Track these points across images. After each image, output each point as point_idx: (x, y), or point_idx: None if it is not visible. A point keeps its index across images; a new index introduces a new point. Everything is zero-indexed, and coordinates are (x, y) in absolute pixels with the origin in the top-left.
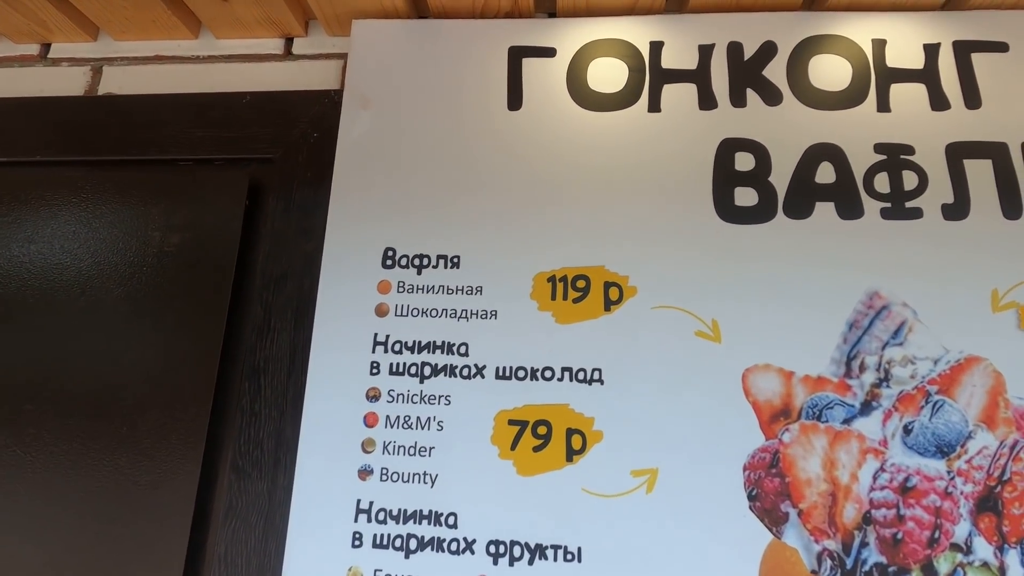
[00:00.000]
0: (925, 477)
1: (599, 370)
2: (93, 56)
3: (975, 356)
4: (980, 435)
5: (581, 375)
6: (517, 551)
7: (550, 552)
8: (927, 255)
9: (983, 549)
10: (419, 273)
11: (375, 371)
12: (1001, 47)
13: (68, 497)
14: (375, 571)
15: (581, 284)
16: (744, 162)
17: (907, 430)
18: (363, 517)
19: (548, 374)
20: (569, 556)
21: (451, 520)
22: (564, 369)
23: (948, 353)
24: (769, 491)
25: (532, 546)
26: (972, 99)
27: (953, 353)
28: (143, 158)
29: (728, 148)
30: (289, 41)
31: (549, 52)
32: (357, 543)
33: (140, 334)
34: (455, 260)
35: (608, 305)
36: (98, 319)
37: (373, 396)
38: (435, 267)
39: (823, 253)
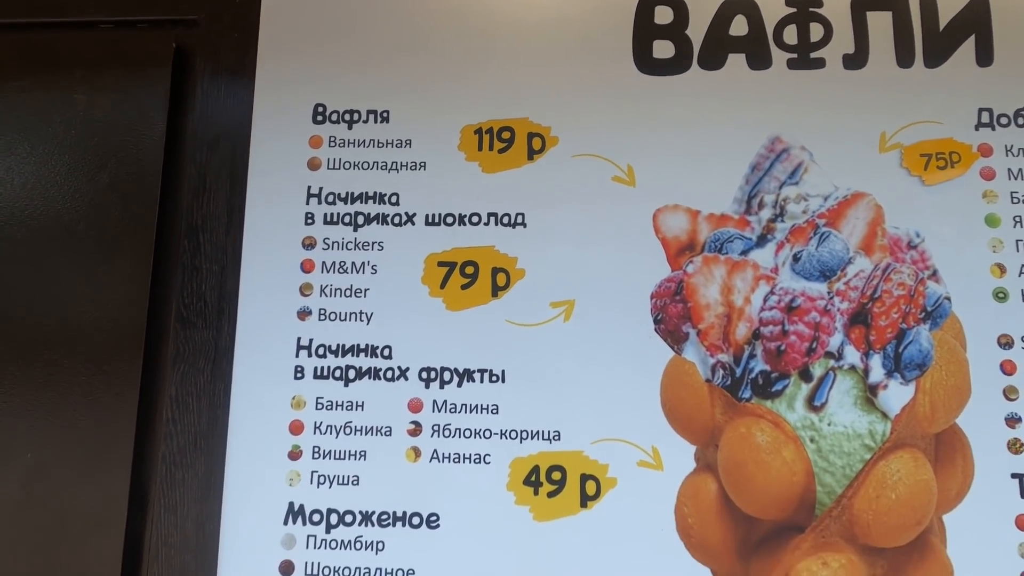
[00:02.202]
0: (808, 298)
1: (523, 214)
2: None
3: (860, 192)
4: (858, 260)
5: (506, 219)
6: (447, 376)
7: (477, 375)
8: (826, 102)
9: (852, 355)
10: (350, 128)
11: (310, 221)
12: None
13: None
14: (317, 399)
15: (506, 135)
16: (663, 16)
17: (796, 258)
18: (304, 353)
19: (475, 219)
20: (494, 378)
21: (386, 352)
22: (490, 215)
23: (837, 190)
24: (672, 315)
25: (460, 371)
26: None
27: (842, 190)
28: (59, 20)
29: (648, 2)
30: None
31: None
32: (299, 375)
33: (75, 195)
34: (385, 115)
35: (532, 154)
36: (28, 175)
37: (309, 244)
38: (365, 122)
39: (732, 102)
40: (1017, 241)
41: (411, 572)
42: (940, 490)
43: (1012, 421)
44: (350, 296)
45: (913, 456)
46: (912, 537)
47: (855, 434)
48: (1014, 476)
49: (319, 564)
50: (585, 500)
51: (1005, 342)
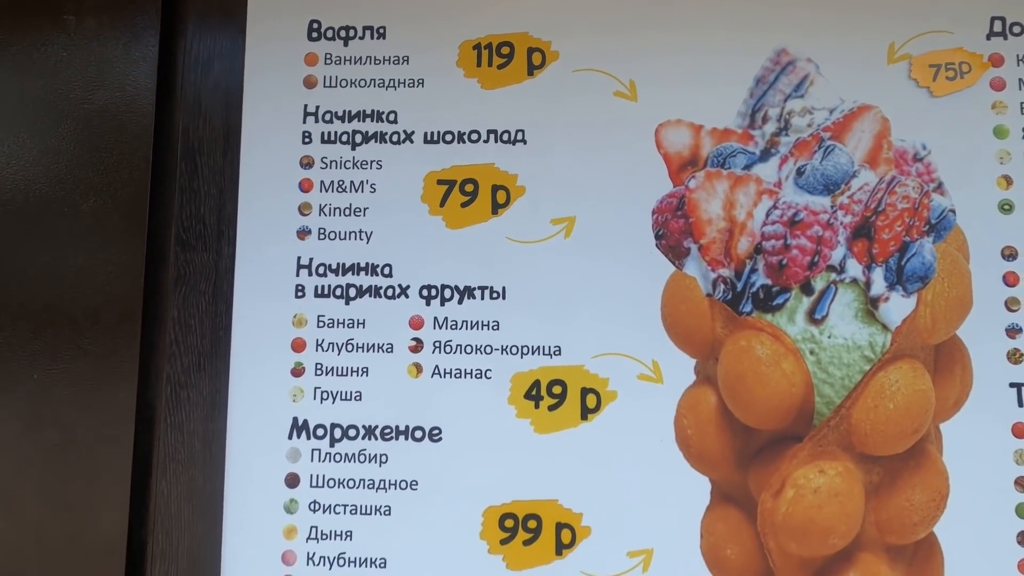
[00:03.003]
0: (811, 212)
1: (523, 131)
2: None
3: (867, 105)
4: (863, 174)
5: (505, 136)
6: (448, 293)
7: (478, 292)
8: (834, 13)
9: (854, 268)
10: (345, 45)
11: (307, 140)
12: None
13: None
14: (318, 317)
15: (505, 51)
16: None
17: (800, 172)
18: (304, 272)
19: (474, 137)
20: (495, 295)
21: (386, 270)
22: (489, 132)
23: (843, 103)
24: (674, 231)
25: (461, 288)
26: None
27: (848, 103)
28: None
29: None
30: None
31: None
32: (300, 294)
33: (67, 119)
34: (381, 31)
35: (531, 70)
36: (14, 103)
37: (307, 164)
38: (361, 38)
39: (737, 14)
40: None
41: (414, 483)
42: (938, 399)
43: (1013, 332)
44: (349, 215)
45: (912, 367)
46: (908, 445)
47: (855, 346)
48: (1012, 385)
49: (324, 476)
50: (585, 413)
51: (1009, 254)
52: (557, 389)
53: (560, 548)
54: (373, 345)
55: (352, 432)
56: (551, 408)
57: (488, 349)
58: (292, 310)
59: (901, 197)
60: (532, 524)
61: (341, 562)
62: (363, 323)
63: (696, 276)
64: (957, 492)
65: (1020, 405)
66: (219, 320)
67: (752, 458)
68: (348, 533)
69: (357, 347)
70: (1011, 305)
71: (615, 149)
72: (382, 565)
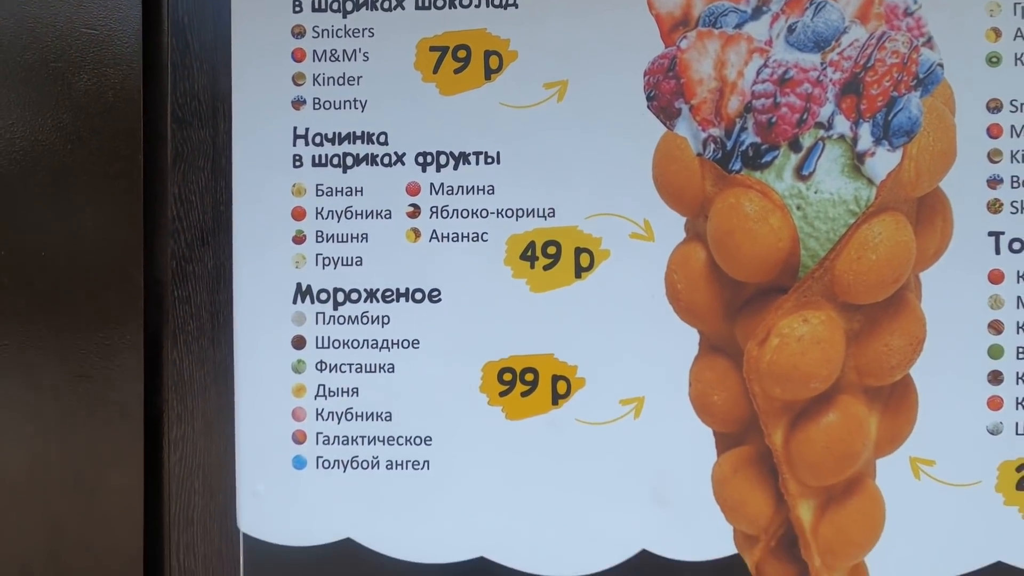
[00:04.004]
0: (801, 69)
1: None
2: None
3: None
4: (854, 29)
5: (497, 1)
6: (443, 159)
7: (472, 158)
8: None
9: (841, 125)
10: None
11: (298, 9)
12: None
13: None
14: (316, 186)
15: None
16: None
17: (791, 30)
18: (301, 142)
19: (465, 1)
20: (490, 160)
21: (382, 138)
22: None
23: None
24: (665, 92)
25: (456, 154)
26: None
27: None
28: None
29: None
30: None
31: None
32: (298, 164)
33: None
34: None
35: None
36: None
37: (298, 33)
38: None
39: None
40: (1015, 4)
41: (416, 342)
42: (919, 249)
43: (994, 182)
44: (343, 84)
45: (895, 219)
46: (889, 294)
47: (840, 200)
48: (991, 234)
49: (329, 338)
50: (579, 271)
51: (994, 106)
52: (551, 250)
53: (556, 398)
54: (371, 212)
55: (354, 295)
56: (546, 268)
57: (484, 213)
58: (291, 180)
59: (890, 52)
60: (529, 377)
61: (348, 416)
62: (361, 191)
63: (687, 136)
64: (934, 336)
65: (997, 253)
66: (219, 195)
67: (739, 310)
68: (354, 390)
69: (356, 214)
70: (993, 157)
71: (607, 11)
72: (388, 418)
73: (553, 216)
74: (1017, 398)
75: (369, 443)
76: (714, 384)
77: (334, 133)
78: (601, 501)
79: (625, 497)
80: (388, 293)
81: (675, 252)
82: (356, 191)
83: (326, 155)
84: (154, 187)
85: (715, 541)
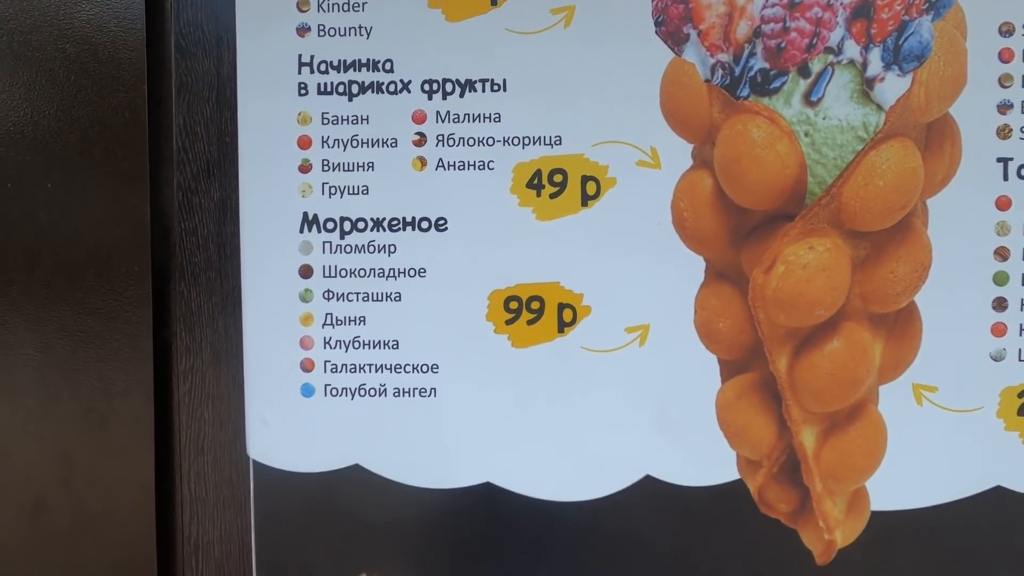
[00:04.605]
0: None
1: None
2: None
3: None
4: None
5: None
6: (449, 87)
7: (479, 85)
8: None
9: (851, 49)
10: None
11: None
12: None
13: None
14: (322, 114)
15: None
16: None
17: None
18: (306, 70)
19: None
20: (496, 87)
21: (387, 66)
22: None
23: None
24: (673, 16)
25: (462, 82)
26: None
27: None
28: None
29: None
30: None
31: None
32: (303, 92)
33: None
34: None
35: None
36: None
37: None
38: None
39: None
40: None
41: (423, 270)
42: (926, 176)
43: (1004, 108)
44: (348, 10)
45: (903, 145)
46: (896, 220)
47: (849, 127)
48: (999, 160)
49: (336, 267)
50: (586, 200)
51: (1006, 30)
52: (558, 178)
53: (562, 326)
54: (377, 140)
55: (361, 224)
56: (552, 196)
57: (490, 141)
58: (296, 108)
59: None
60: (535, 305)
61: (356, 345)
62: (367, 119)
63: (695, 62)
64: (939, 263)
65: (1006, 179)
66: (224, 126)
67: (745, 237)
68: (362, 319)
69: (362, 142)
70: (1004, 81)
71: None
72: (395, 346)
73: (559, 144)
74: (1021, 324)
75: (376, 371)
76: (719, 311)
77: (339, 61)
78: (606, 428)
79: (630, 423)
80: (395, 222)
81: (682, 179)
82: (362, 119)
83: (331, 83)
84: (158, 118)
85: (718, 467)
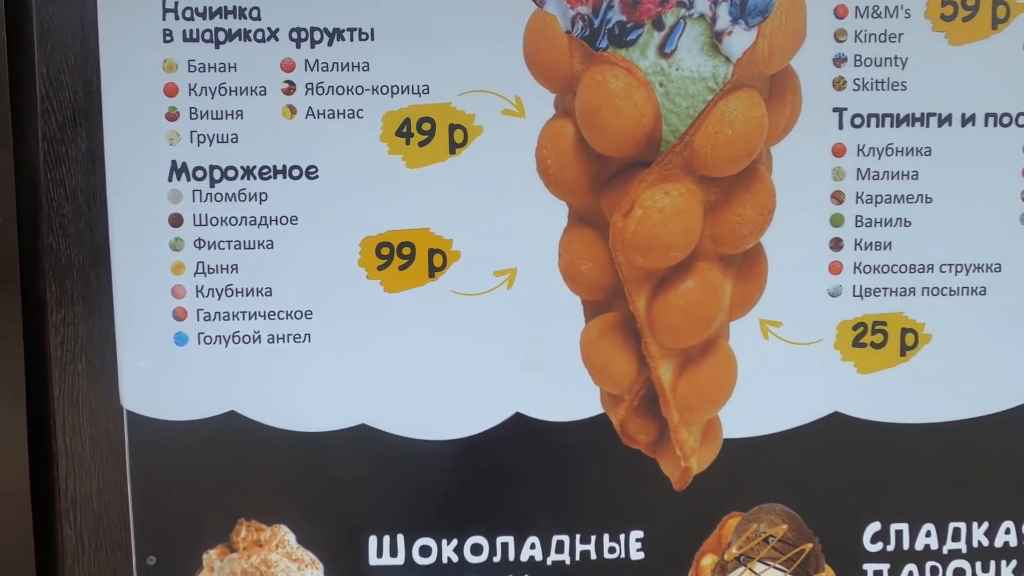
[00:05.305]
0: None
1: None
2: None
3: None
4: None
5: None
6: (317, 35)
7: (347, 34)
8: None
9: (701, 4)
10: None
11: None
12: None
13: None
14: (188, 62)
15: None
16: None
17: None
18: (171, 16)
19: None
20: (364, 36)
21: (254, 13)
22: None
23: None
24: None
25: (330, 30)
26: None
27: None
28: None
29: None
30: None
31: None
32: (168, 39)
33: None
34: None
35: None
36: None
37: None
38: None
39: None
40: None
41: (294, 218)
42: (770, 125)
43: (839, 61)
44: None
45: (750, 95)
46: (743, 167)
47: (700, 78)
48: (835, 110)
49: (206, 215)
50: (453, 147)
51: None
52: (426, 126)
53: (432, 271)
54: (246, 88)
55: (231, 173)
56: (421, 144)
57: (359, 89)
58: (161, 55)
59: None
60: (406, 251)
61: (229, 293)
62: (235, 67)
63: (556, 14)
64: (782, 206)
65: (840, 128)
66: (91, 76)
67: (605, 183)
68: (234, 266)
69: (230, 91)
70: (839, 36)
71: None
72: (268, 293)
73: (427, 93)
74: (855, 263)
75: (250, 318)
76: (582, 254)
77: (205, 7)
78: (476, 368)
79: (499, 364)
80: (265, 170)
81: (545, 128)
82: (229, 67)
83: (197, 30)
84: (20, 65)
85: (583, 402)
